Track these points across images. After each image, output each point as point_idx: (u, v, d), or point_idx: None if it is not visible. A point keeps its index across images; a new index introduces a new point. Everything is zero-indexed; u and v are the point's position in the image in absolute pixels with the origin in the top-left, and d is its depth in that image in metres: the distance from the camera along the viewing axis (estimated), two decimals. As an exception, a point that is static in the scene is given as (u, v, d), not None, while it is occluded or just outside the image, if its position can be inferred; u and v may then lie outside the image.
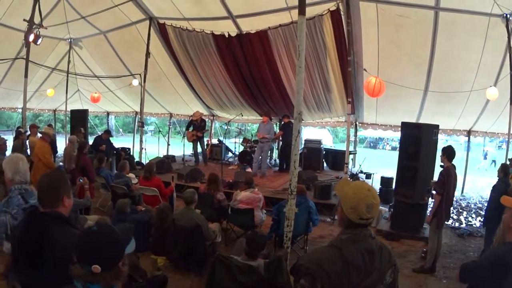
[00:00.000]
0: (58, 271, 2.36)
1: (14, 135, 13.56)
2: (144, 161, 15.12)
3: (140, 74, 14.58)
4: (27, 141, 11.34)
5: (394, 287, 2.35)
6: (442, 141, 22.47)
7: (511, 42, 9.52)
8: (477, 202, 13.14)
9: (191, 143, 14.96)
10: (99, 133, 15.34)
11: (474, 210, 11.87)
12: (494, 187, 7.70)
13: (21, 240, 2.49)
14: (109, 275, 1.95)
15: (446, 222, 7.56)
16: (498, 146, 33.66)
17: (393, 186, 10.41)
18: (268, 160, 15.36)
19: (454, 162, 7.10)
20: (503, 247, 3.21)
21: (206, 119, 16.90)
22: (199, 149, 15.11)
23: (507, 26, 9.21)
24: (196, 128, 14.52)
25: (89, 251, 1.93)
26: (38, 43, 10.46)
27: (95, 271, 1.89)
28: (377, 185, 12.59)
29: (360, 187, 2.32)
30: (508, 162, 9.21)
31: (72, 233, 2.54)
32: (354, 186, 2.35)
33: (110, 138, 14.91)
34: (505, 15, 9.06)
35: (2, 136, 12.23)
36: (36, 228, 2.43)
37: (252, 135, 16.96)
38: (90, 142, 14.33)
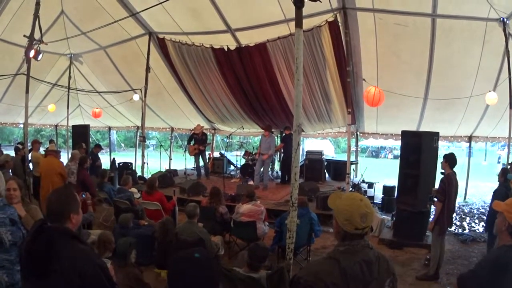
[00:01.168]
0: (65, 283, 2.39)
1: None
2: (146, 175, 15.14)
3: (140, 89, 14.61)
4: (30, 156, 11.33)
5: (393, 296, 2.36)
6: (444, 147, 22.47)
7: (508, 46, 9.54)
8: (480, 208, 13.11)
9: (193, 157, 15.00)
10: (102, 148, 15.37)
11: (477, 216, 11.84)
12: (495, 191, 7.70)
13: (27, 250, 2.52)
14: None
15: (448, 229, 7.56)
16: (500, 151, 33.47)
17: (395, 195, 10.40)
18: (270, 173, 15.38)
19: (457, 167, 7.14)
20: (497, 250, 3.23)
21: (208, 133, 16.89)
22: (201, 163, 15.13)
23: (504, 30, 9.18)
24: (197, 141, 14.55)
25: (192, 279, 1.98)
26: (38, 58, 10.48)
27: None
28: (379, 194, 12.60)
29: (352, 198, 2.36)
30: (508, 167, 9.19)
31: (79, 249, 2.58)
32: (346, 198, 2.39)
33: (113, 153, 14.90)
34: (502, 19, 9.04)
35: (6, 153, 12.30)
36: (43, 240, 2.45)
37: (253, 148, 16.96)
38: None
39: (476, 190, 16.61)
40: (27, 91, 10.54)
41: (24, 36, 9.99)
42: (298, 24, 4.88)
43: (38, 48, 10.33)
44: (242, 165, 15.80)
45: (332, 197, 2.51)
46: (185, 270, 2.04)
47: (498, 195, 7.32)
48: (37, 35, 10.05)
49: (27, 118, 10.86)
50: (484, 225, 9.87)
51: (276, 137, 15.91)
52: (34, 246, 2.46)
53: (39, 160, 11.17)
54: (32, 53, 10.19)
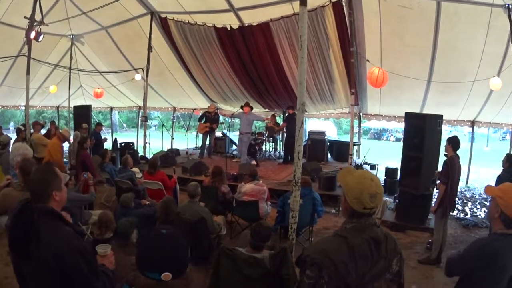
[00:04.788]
0: (43, 265, 2.35)
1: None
2: (148, 155, 15.16)
3: (142, 69, 14.52)
4: (31, 139, 11.31)
5: (400, 275, 2.34)
6: (446, 131, 22.41)
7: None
8: (482, 193, 13.08)
9: (201, 135, 15.23)
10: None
11: (479, 201, 11.83)
12: (498, 177, 7.68)
13: (11, 231, 2.50)
14: (179, 283, 1.92)
15: (451, 213, 7.54)
16: (502, 137, 33.32)
17: (398, 177, 10.36)
18: (272, 152, 15.46)
19: (459, 152, 7.11)
20: (486, 237, 3.18)
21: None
22: (207, 142, 15.24)
23: (509, 17, 9.08)
24: (209, 120, 14.76)
25: (158, 255, 1.90)
26: (39, 40, 10.44)
27: (165, 279, 1.84)
28: (381, 176, 12.58)
29: (362, 176, 2.31)
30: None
31: (59, 230, 2.51)
32: (357, 176, 2.34)
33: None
34: (507, 5, 8.94)
35: (7, 134, 12.28)
36: (25, 221, 2.40)
37: (256, 128, 16.97)
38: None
39: (478, 175, 16.59)
40: (28, 73, 10.52)
41: (25, 17, 9.92)
42: (303, 2, 4.82)
43: (39, 29, 10.28)
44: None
45: (343, 173, 2.45)
46: (152, 245, 2.02)
47: (502, 181, 7.28)
48: (38, 17, 9.99)
49: (28, 100, 10.83)
50: (486, 210, 9.84)
51: (278, 117, 16.12)
52: (16, 228, 2.43)
53: (42, 141, 11.15)
54: (33, 35, 10.14)
